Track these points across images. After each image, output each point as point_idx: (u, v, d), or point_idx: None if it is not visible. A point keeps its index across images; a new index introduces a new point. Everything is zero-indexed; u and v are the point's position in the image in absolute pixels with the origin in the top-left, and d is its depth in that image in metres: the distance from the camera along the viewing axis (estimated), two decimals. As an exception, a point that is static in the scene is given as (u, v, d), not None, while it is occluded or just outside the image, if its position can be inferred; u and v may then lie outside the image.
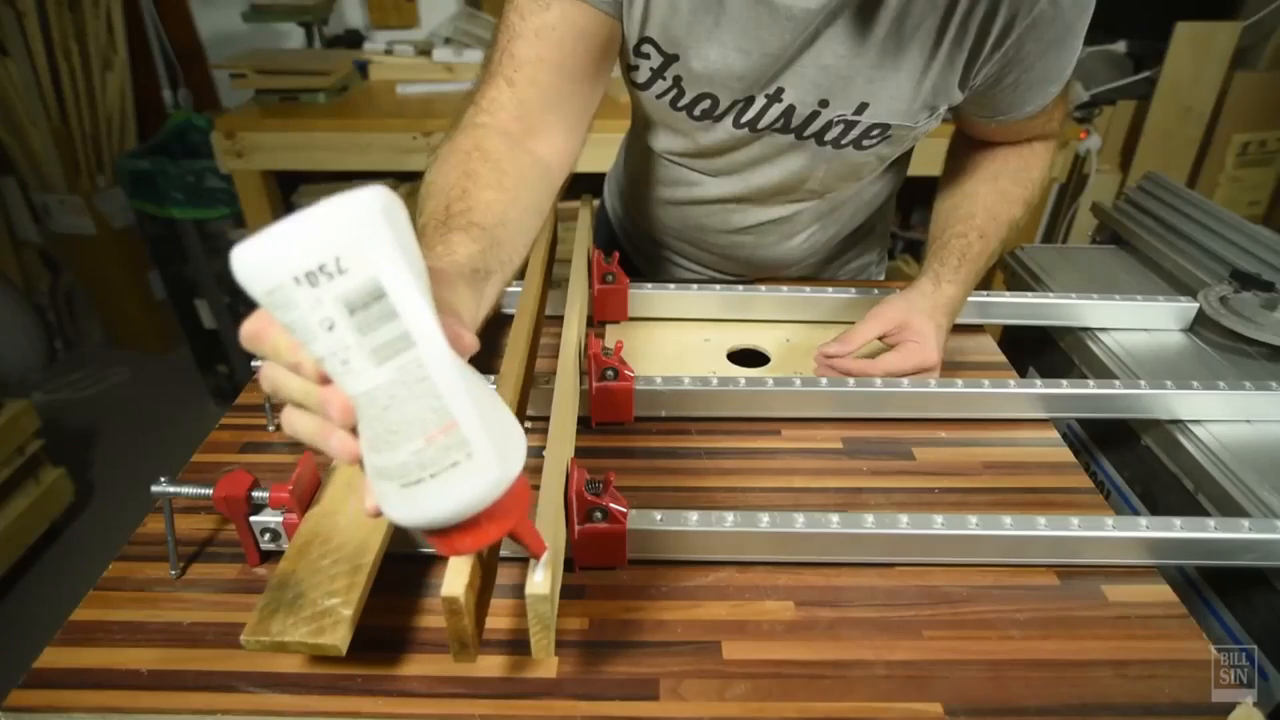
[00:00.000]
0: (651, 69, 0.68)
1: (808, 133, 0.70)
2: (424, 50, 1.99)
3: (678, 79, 0.68)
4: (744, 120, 0.70)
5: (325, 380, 0.33)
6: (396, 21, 2.17)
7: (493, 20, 2.06)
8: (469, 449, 0.33)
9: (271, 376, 0.35)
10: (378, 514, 0.34)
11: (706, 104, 0.70)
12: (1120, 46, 1.94)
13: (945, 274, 0.75)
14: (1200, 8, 1.82)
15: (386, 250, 0.30)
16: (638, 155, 0.86)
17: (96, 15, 2.09)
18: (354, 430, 0.34)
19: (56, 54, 2.06)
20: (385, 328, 0.30)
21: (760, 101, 0.68)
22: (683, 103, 0.70)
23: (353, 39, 2.15)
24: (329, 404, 0.33)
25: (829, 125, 0.69)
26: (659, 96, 0.71)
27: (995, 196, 0.77)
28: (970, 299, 0.86)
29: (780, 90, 0.67)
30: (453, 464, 0.32)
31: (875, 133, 0.69)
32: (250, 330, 0.33)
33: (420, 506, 0.33)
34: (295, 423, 0.35)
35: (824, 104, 0.67)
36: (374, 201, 0.29)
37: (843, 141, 0.70)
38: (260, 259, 0.29)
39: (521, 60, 0.62)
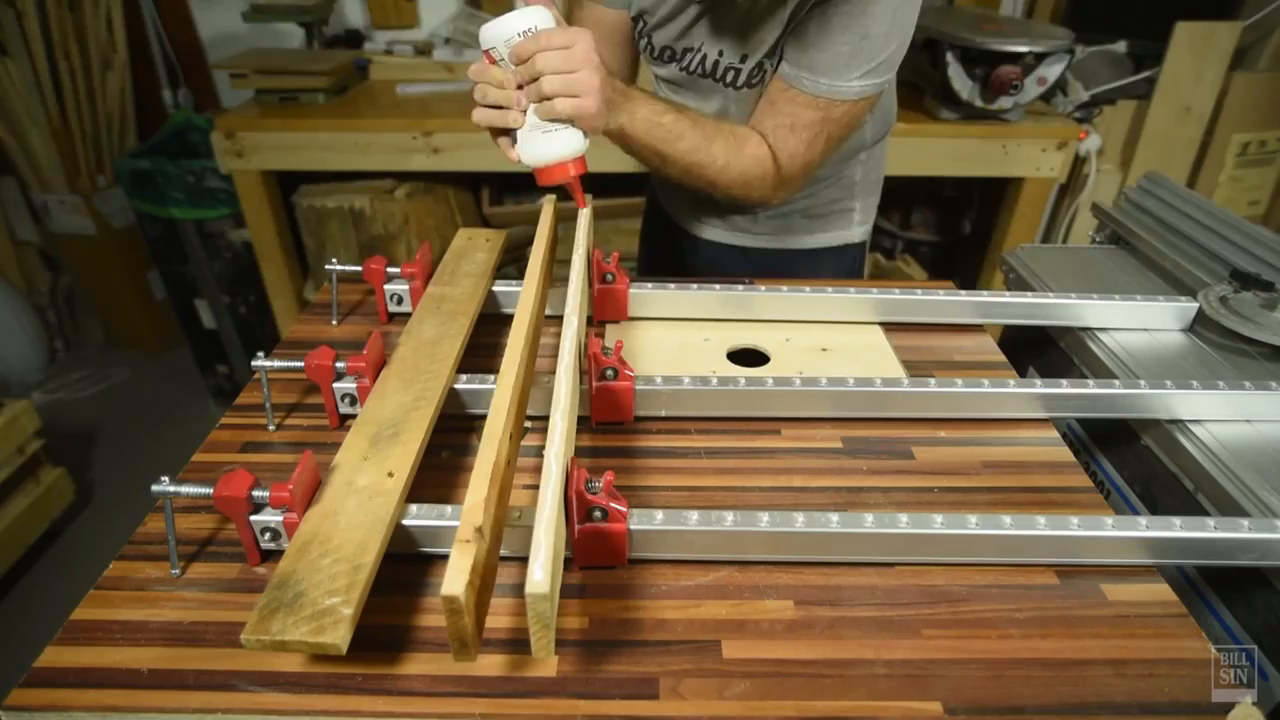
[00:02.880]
0: (640, 34, 0.94)
1: (721, 76, 0.91)
2: (424, 50, 1.99)
3: (650, 38, 0.93)
4: (687, 67, 0.93)
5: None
6: (396, 21, 2.17)
7: (493, 20, 2.05)
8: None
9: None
10: (518, 160, 0.74)
11: (666, 55, 0.94)
12: (1120, 46, 1.94)
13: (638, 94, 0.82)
14: (1200, 8, 1.82)
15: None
16: None
17: (96, 15, 2.10)
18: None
19: (56, 54, 2.06)
20: None
21: (696, 53, 0.91)
22: (654, 55, 0.95)
23: (353, 39, 2.15)
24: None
25: (728, 70, 0.89)
26: (643, 52, 0.97)
27: (713, 134, 0.84)
28: (970, 299, 0.87)
29: (701, 44, 0.89)
30: (557, 129, 0.72)
31: (756, 74, 0.88)
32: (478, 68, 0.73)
33: (543, 147, 0.72)
34: (487, 112, 0.73)
35: (720, 54, 0.88)
36: (535, 13, 0.69)
37: (739, 84, 0.90)
38: (499, 23, 0.70)
39: None
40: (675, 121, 0.80)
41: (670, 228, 1.14)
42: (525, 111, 0.71)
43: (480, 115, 0.72)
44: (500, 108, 0.72)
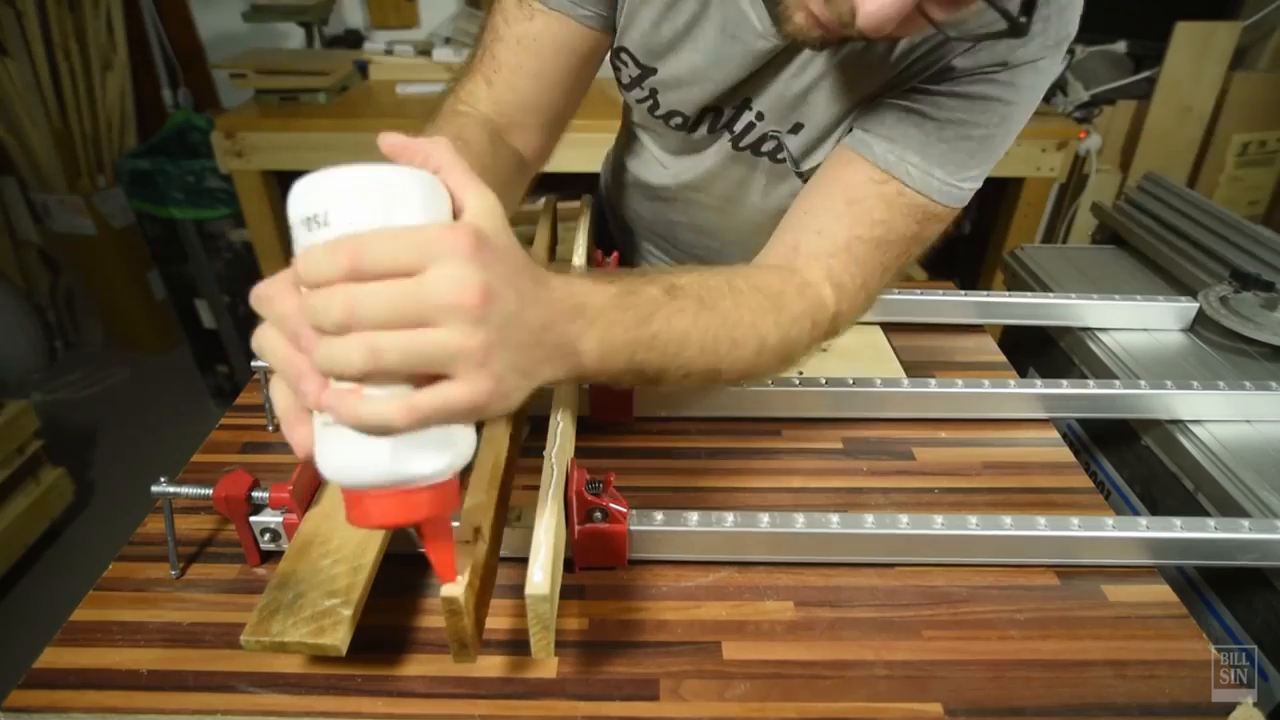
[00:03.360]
0: (631, 78, 0.69)
1: (750, 144, 0.70)
2: (424, 50, 1.98)
3: (654, 90, 0.69)
4: (719, 126, 0.70)
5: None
6: (396, 21, 2.17)
7: (493, 20, 2.05)
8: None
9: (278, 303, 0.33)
10: (308, 455, 0.35)
11: (678, 120, 0.70)
12: (1120, 46, 1.94)
13: (621, 294, 0.46)
14: (1200, 8, 1.82)
15: (362, 222, 0.31)
16: (623, 139, 0.86)
17: (96, 15, 2.09)
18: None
19: (56, 54, 2.06)
20: None
21: (729, 113, 0.68)
22: (659, 113, 0.71)
23: (353, 39, 2.15)
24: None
25: (764, 138, 0.68)
26: (639, 102, 0.72)
27: (730, 311, 0.52)
28: (970, 299, 0.86)
29: (748, 99, 0.66)
30: (355, 435, 0.32)
31: (809, 151, 0.67)
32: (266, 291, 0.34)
33: (328, 456, 0.34)
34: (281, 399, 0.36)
35: (761, 118, 0.67)
36: (368, 175, 0.32)
37: (778, 156, 0.69)
38: (292, 198, 0.33)
39: (501, 63, 0.64)
40: (671, 320, 0.47)
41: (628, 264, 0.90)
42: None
43: (276, 392, 0.36)
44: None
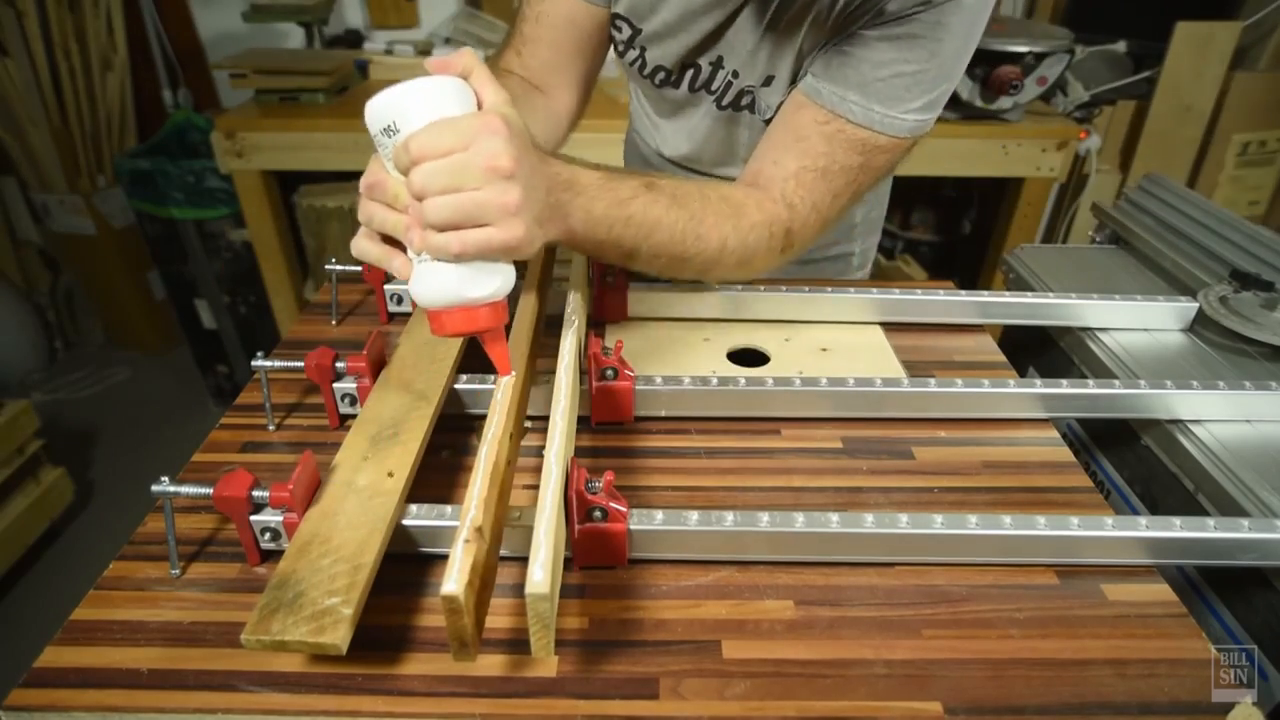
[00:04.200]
0: (624, 40, 0.79)
1: (730, 101, 0.78)
2: (424, 50, 1.99)
3: (643, 49, 0.78)
4: (698, 84, 0.79)
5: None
6: (396, 21, 2.17)
7: (493, 20, 2.06)
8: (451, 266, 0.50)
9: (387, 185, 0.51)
10: (408, 278, 0.51)
11: (661, 76, 0.80)
12: (1120, 46, 1.94)
13: (597, 183, 0.59)
14: (1200, 8, 1.82)
15: (419, 122, 0.47)
16: (630, 116, 0.97)
17: (96, 15, 2.10)
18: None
19: (56, 54, 2.06)
20: None
21: (705, 69, 0.77)
22: (646, 71, 0.80)
23: (353, 39, 2.15)
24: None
25: (741, 93, 0.77)
26: (631, 64, 0.81)
27: (699, 210, 0.65)
28: (970, 299, 0.86)
29: (720, 58, 0.75)
30: (440, 270, 0.50)
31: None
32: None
33: (436, 283, 0.50)
34: (383, 218, 0.51)
35: (736, 75, 0.75)
36: (417, 87, 0.47)
37: (757, 108, 0.77)
38: (369, 113, 0.49)
39: (526, 37, 0.78)
40: (646, 207, 0.61)
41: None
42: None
43: (360, 248, 0.54)
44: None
